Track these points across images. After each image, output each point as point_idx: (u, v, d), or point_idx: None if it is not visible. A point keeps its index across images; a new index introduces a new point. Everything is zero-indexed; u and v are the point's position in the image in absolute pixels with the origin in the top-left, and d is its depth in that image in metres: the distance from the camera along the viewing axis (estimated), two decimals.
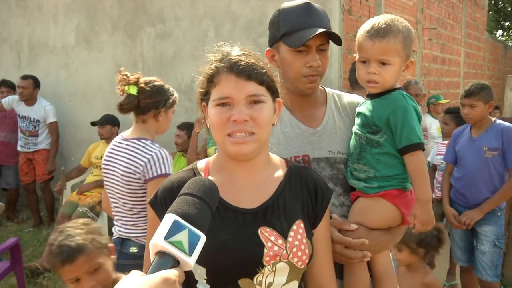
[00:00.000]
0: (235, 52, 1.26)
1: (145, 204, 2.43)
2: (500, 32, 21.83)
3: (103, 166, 2.61)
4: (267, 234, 1.22)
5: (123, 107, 2.48)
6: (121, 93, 2.48)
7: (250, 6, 4.85)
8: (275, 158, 1.38)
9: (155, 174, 2.39)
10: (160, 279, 0.80)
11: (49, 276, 4.25)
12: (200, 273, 1.20)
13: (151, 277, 0.80)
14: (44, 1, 6.39)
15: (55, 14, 6.29)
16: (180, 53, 5.33)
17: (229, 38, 5.39)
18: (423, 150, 1.50)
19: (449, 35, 7.86)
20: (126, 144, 2.51)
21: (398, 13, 5.63)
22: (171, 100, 2.57)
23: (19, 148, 5.84)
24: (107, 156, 2.57)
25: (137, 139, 2.50)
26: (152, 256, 0.87)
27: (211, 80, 1.24)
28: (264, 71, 1.24)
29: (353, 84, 3.47)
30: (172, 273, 0.82)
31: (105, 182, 2.61)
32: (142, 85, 2.47)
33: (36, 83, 5.64)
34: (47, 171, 5.72)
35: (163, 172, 2.41)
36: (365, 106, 1.57)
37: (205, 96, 1.27)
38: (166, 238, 0.86)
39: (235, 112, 1.19)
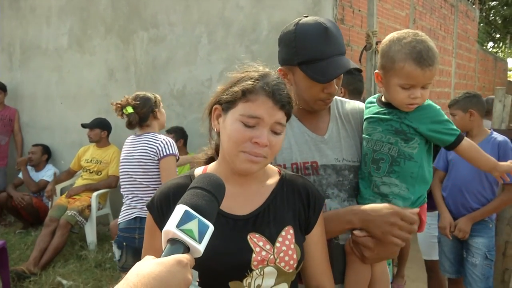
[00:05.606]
0: (274, 76, 1.29)
1: (158, 181, 3.13)
2: (490, 44, 22.10)
3: (122, 161, 3.23)
4: (255, 240, 1.26)
5: (132, 123, 3.20)
6: (121, 117, 3.20)
7: (243, 13, 4.86)
8: (269, 166, 1.42)
9: (165, 153, 3.12)
10: (174, 260, 0.89)
11: (35, 280, 4.21)
12: (193, 276, 1.24)
13: (165, 259, 0.89)
14: (38, 4, 6.37)
15: (48, 16, 6.28)
16: (173, 58, 5.33)
17: (222, 45, 5.39)
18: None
19: (440, 45, 7.94)
20: (139, 138, 3.22)
21: (391, 23, 5.69)
22: (156, 100, 3.31)
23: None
24: (124, 152, 3.25)
25: (148, 133, 3.24)
26: (164, 244, 0.95)
27: (244, 94, 1.25)
28: (291, 104, 1.29)
29: (345, 95, 3.49)
30: (184, 257, 0.91)
31: (123, 173, 3.23)
32: (133, 102, 3.18)
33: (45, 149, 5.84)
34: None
35: (171, 152, 3.15)
36: (391, 113, 1.56)
37: (228, 103, 1.27)
38: (178, 226, 0.94)
39: (260, 134, 1.22)
